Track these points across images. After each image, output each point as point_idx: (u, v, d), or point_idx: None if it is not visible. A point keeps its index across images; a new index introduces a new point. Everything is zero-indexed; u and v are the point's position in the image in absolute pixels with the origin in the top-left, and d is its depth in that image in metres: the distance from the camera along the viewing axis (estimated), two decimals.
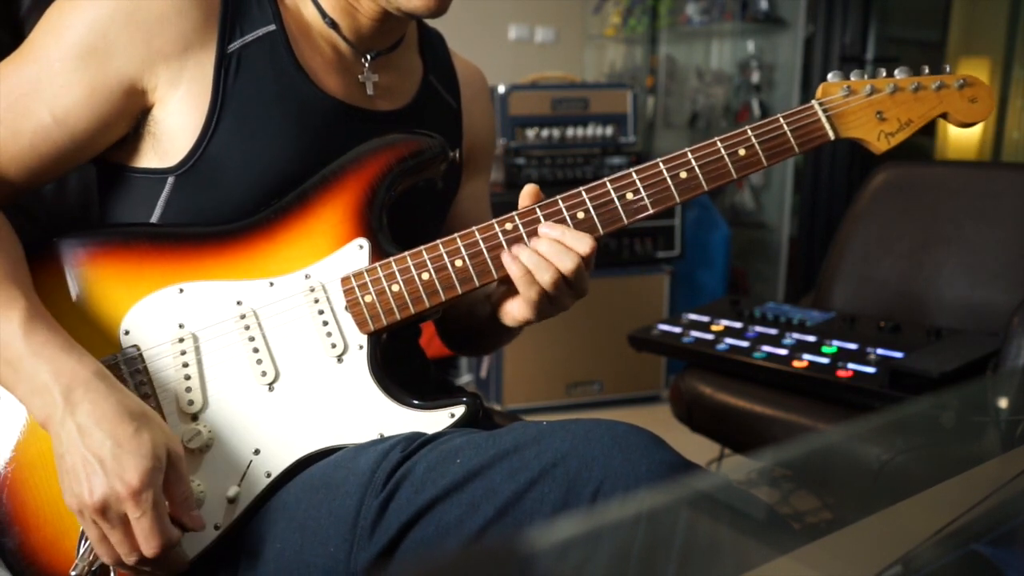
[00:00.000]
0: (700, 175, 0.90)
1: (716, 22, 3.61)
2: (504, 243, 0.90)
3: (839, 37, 3.25)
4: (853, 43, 3.25)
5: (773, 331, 1.85)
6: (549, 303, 0.91)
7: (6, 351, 0.80)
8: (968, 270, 1.92)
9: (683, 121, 3.78)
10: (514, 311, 0.94)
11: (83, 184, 1.10)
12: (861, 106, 0.92)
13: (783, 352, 1.73)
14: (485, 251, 0.90)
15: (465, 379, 3.16)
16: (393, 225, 0.93)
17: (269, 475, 0.87)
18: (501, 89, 2.90)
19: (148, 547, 0.77)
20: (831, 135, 0.91)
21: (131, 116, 0.90)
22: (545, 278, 0.88)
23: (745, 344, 1.80)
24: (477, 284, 0.90)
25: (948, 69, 0.94)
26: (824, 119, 0.91)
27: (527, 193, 0.92)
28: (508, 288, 0.93)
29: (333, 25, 0.96)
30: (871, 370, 1.59)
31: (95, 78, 0.86)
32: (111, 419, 0.78)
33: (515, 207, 0.92)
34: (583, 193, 0.91)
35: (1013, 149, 3.24)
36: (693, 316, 1.99)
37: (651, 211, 0.91)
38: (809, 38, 3.36)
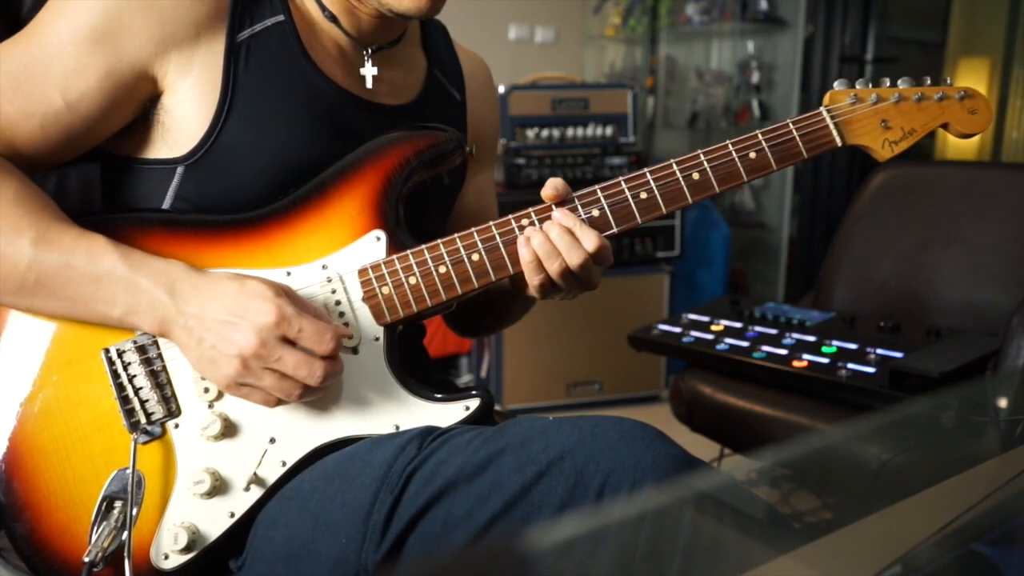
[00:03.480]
0: (712, 176, 0.91)
1: (716, 22, 3.60)
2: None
3: (839, 37, 3.25)
4: (853, 43, 3.25)
5: (773, 331, 1.85)
6: (554, 289, 0.92)
7: (98, 268, 0.84)
8: (968, 270, 1.92)
9: (683, 121, 3.78)
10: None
11: (83, 183, 1.09)
12: (867, 114, 0.94)
13: (783, 352, 1.73)
14: (502, 246, 0.91)
15: (465, 379, 3.16)
16: None
17: (284, 464, 0.88)
18: (501, 89, 2.89)
19: (325, 345, 0.81)
20: (838, 141, 0.93)
21: (139, 102, 0.91)
22: (553, 267, 0.89)
23: (745, 344, 1.80)
24: (493, 278, 0.91)
25: (949, 80, 0.96)
26: (832, 126, 0.93)
27: (552, 184, 0.91)
28: None
29: (333, 19, 0.96)
30: (871, 370, 1.59)
31: (108, 62, 0.86)
32: (217, 290, 0.83)
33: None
34: (599, 191, 0.91)
35: (1013, 149, 3.24)
36: (693, 316, 1.99)
37: (664, 211, 0.92)
38: (809, 38, 3.36)
